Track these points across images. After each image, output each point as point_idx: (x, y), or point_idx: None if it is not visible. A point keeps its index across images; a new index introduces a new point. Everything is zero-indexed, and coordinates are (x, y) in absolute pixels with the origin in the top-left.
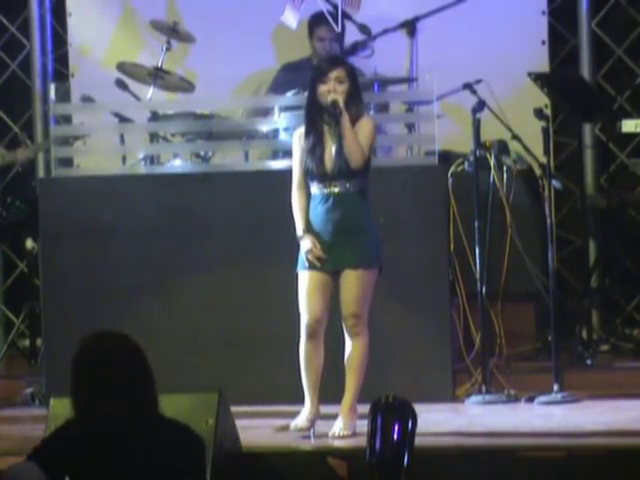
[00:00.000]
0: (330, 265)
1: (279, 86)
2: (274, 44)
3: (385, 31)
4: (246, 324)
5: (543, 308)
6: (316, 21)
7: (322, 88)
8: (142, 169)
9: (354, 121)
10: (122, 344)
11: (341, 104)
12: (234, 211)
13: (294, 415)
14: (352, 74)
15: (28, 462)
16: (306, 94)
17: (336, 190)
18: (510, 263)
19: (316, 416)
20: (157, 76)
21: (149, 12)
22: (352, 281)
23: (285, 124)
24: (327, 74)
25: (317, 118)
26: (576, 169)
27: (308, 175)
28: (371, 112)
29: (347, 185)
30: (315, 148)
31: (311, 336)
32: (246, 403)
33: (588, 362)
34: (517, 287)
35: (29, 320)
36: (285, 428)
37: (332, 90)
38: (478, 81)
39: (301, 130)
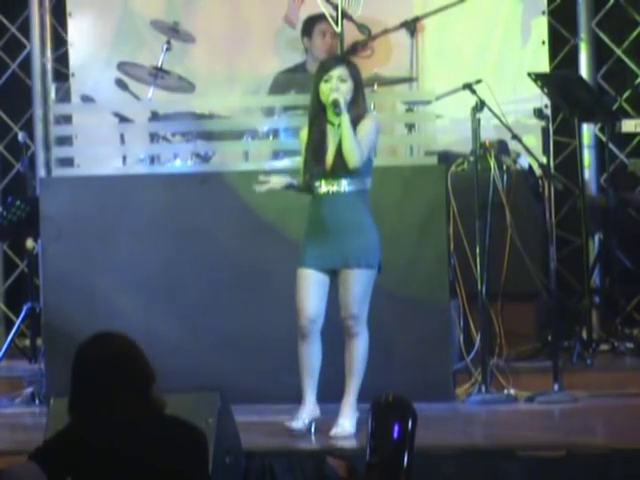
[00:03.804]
0: (327, 264)
1: (275, 90)
2: (274, 44)
3: (385, 31)
4: (246, 324)
5: (543, 308)
6: (317, 17)
7: (324, 87)
8: (142, 169)
9: (356, 120)
10: (122, 345)
11: (342, 104)
12: (234, 211)
13: (294, 415)
14: (355, 73)
15: (29, 462)
16: (305, 95)
17: (335, 189)
18: (510, 263)
19: (313, 415)
20: (157, 76)
21: (149, 12)
22: (350, 281)
23: (285, 124)
24: (329, 72)
25: (320, 116)
26: (576, 169)
27: (308, 173)
28: (374, 112)
29: (346, 184)
30: (317, 146)
31: (305, 336)
32: (246, 403)
33: (588, 362)
34: (517, 287)
35: (29, 320)
36: (285, 428)
37: (334, 89)
38: (478, 81)
39: (305, 128)
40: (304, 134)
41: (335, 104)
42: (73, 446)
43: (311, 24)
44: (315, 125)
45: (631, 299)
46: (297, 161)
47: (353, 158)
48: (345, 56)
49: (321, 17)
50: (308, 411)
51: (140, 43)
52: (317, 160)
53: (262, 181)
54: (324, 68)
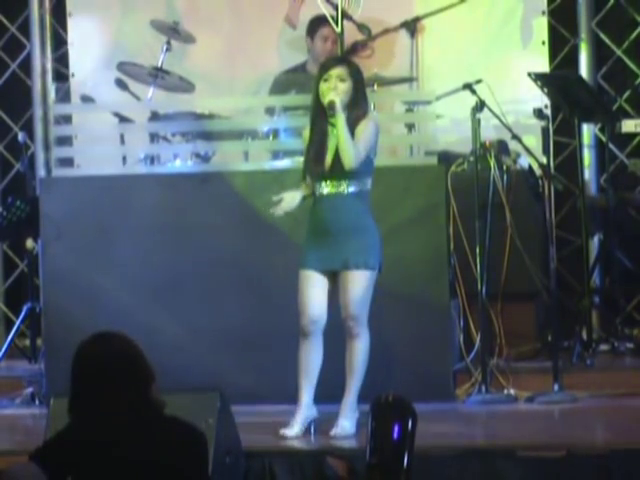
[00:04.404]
0: (327, 265)
1: (276, 90)
2: (275, 44)
3: (385, 31)
4: (246, 324)
5: (543, 308)
6: (321, 20)
7: (323, 86)
8: (142, 169)
9: (357, 121)
10: (122, 345)
11: (337, 104)
12: (234, 211)
13: (289, 421)
14: (355, 73)
15: (29, 463)
16: (305, 95)
17: (334, 190)
18: (510, 263)
19: (310, 418)
20: (157, 76)
21: (149, 12)
22: (350, 282)
23: (285, 124)
24: (328, 72)
25: (321, 117)
26: (576, 169)
27: (308, 173)
28: (374, 112)
29: (347, 186)
30: (317, 147)
31: (307, 336)
32: (246, 403)
33: (588, 362)
34: (517, 287)
35: (29, 320)
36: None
37: (333, 89)
38: (478, 81)
39: (308, 128)
40: (307, 133)
41: (330, 106)
42: (73, 446)
43: (315, 26)
44: (316, 125)
45: (631, 299)
46: (297, 161)
47: (348, 159)
48: (346, 56)
49: (325, 21)
50: (303, 415)
51: (140, 43)
52: (318, 161)
53: (276, 202)
54: (324, 68)
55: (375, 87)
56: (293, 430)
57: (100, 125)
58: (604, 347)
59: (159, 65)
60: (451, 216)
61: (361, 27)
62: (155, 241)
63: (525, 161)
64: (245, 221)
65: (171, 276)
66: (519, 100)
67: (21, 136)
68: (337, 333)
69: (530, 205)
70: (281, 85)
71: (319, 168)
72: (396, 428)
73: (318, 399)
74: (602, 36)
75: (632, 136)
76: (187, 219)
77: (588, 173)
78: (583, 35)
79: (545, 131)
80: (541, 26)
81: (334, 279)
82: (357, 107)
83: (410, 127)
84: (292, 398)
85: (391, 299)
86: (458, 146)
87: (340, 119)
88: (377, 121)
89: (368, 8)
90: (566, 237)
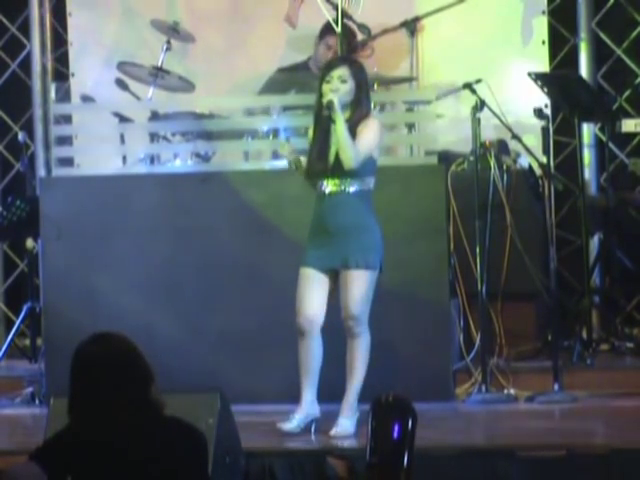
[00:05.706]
0: (328, 264)
1: (272, 87)
2: (275, 44)
3: (385, 31)
4: (246, 324)
5: (543, 308)
6: (330, 28)
7: (325, 87)
8: (142, 169)
9: (359, 121)
10: (120, 345)
11: (336, 105)
12: (234, 211)
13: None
14: (358, 74)
15: (29, 463)
16: (306, 94)
17: (337, 189)
18: (510, 263)
19: (311, 415)
20: (157, 76)
21: (149, 12)
22: (351, 282)
23: (285, 124)
24: (330, 73)
25: (324, 117)
26: (576, 169)
27: (311, 172)
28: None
29: (349, 185)
30: (320, 146)
31: (304, 334)
32: (246, 403)
33: (588, 362)
34: (517, 287)
35: (29, 320)
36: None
37: (334, 90)
38: (478, 81)
39: (312, 128)
40: (311, 133)
41: (327, 106)
42: (73, 446)
43: (324, 32)
44: (320, 125)
45: (631, 299)
46: None
47: (347, 159)
48: (350, 56)
49: (333, 30)
50: (303, 411)
51: (140, 43)
52: (320, 160)
53: (283, 145)
54: (327, 68)
55: (375, 87)
56: (290, 425)
57: (100, 125)
58: (604, 347)
59: (159, 65)
60: (451, 216)
61: (361, 27)
62: (155, 241)
63: (525, 161)
64: (245, 221)
65: (171, 276)
66: (519, 100)
67: (21, 136)
68: (338, 333)
69: (530, 205)
70: (281, 84)
71: (322, 167)
72: (396, 428)
73: (319, 399)
74: (602, 36)
75: (632, 136)
76: (187, 219)
77: (588, 173)
78: (583, 35)
79: (545, 131)
80: (541, 26)
81: (335, 278)
82: (360, 107)
83: (410, 127)
84: (292, 398)
85: (391, 299)
86: (458, 146)
87: (339, 119)
88: (380, 121)
89: (368, 8)
90: (566, 237)
